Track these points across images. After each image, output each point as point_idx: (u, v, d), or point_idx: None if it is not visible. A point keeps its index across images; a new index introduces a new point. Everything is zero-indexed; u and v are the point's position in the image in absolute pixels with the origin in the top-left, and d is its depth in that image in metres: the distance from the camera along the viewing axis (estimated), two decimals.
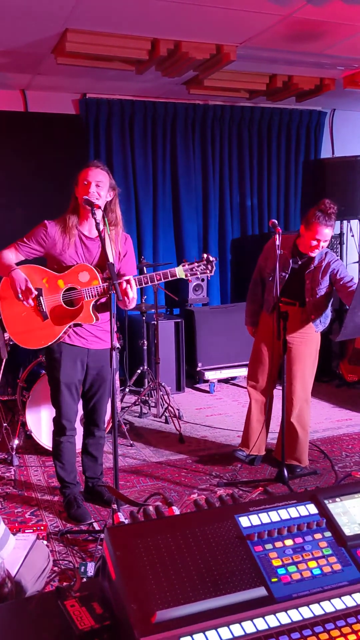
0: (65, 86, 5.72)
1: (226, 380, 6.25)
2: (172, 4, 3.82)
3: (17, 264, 3.21)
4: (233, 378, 6.22)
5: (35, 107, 5.85)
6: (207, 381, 6.00)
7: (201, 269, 3.04)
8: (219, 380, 6.12)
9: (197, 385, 6.16)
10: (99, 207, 2.98)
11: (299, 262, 3.75)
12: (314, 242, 3.58)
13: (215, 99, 6.29)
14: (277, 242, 3.51)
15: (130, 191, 6.21)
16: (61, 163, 5.71)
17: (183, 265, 3.04)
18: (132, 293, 3.00)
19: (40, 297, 3.13)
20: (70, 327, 3.16)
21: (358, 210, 6.60)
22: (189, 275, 3.03)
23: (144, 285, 3.04)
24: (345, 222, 6.87)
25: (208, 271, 3.05)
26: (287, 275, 3.76)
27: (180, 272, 3.03)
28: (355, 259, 7.11)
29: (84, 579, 2.64)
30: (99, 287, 3.03)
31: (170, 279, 3.03)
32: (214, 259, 3.06)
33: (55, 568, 2.82)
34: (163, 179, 6.34)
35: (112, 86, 5.70)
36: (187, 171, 6.43)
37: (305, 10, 3.94)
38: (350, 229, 7.04)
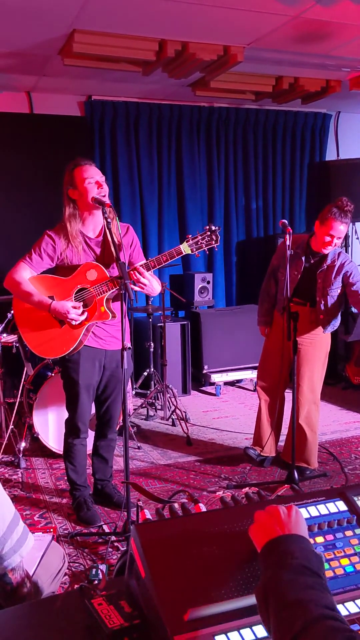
0: (70, 88, 5.72)
1: (232, 383, 6.23)
2: (179, 4, 3.81)
3: None
4: (239, 381, 6.20)
5: (41, 109, 5.85)
6: (213, 384, 5.97)
7: (206, 241, 2.97)
8: (225, 383, 6.10)
9: (203, 388, 6.14)
10: (110, 205, 2.95)
11: (312, 261, 3.73)
12: (328, 238, 3.56)
13: (220, 101, 6.28)
14: (288, 242, 3.49)
15: (135, 193, 6.20)
16: (66, 165, 5.69)
17: (187, 241, 2.98)
18: (145, 280, 2.96)
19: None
20: (88, 328, 3.12)
21: None
22: (194, 249, 2.97)
23: (151, 269, 2.99)
24: (350, 224, 6.85)
25: (213, 242, 2.97)
26: (299, 275, 3.74)
27: (185, 248, 2.97)
28: None
29: (96, 581, 2.61)
30: (109, 282, 3.00)
31: (176, 257, 2.96)
32: (217, 227, 2.98)
33: (66, 570, 2.79)
34: (168, 181, 6.34)
35: (117, 88, 5.69)
36: (192, 173, 6.42)
37: (313, 10, 3.94)
38: (356, 232, 7.03)
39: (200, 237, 2.98)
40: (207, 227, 2.99)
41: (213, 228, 2.98)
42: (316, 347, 3.82)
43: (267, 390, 4.02)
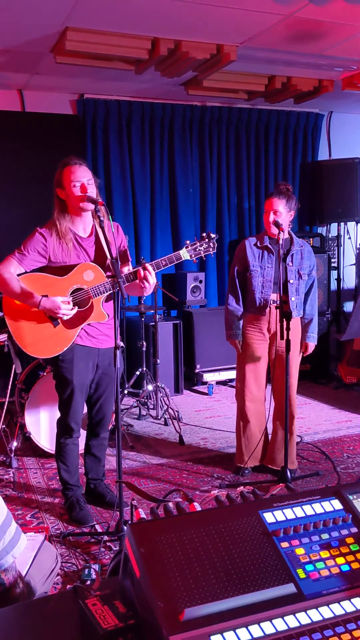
0: (62, 86, 5.70)
1: (224, 382, 6.23)
2: (173, 2, 3.80)
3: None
4: (231, 380, 6.19)
5: (33, 107, 5.83)
6: (205, 383, 5.97)
7: (204, 248, 3.07)
8: (217, 382, 6.10)
9: (195, 387, 6.13)
10: (103, 204, 2.93)
11: (279, 251, 3.70)
12: (269, 215, 3.65)
13: (213, 101, 6.28)
14: (281, 242, 3.48)
15: (127, 192, 6.19)
16: (58, 163, 5.67)
17: (186, 247, 3.06)
18: (153, 279, 2.97)
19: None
20: (82, 328, 3.11)
21: (354, 212, 6.62)
22: (193, 256, 3.06)
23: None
24: (342, 224, 6.87)
25: (211, 249, 3.08)
26: (272, 267, 3.71)
27: (184, 254, 3.05)
28: (352, 261, 7.12)
29: (88, 581, 2.60)
30: (106, 283, 2.99)
31: (176, 262, 3.04)
32: (214, 235, 3.09)
33: (59, 570, 2.77)
34: (160, 179, 6.33)
35: (109, 87, 5.68)
36: (185, 172, 6.42)
37: (306, 9, 3.94)
38: (347, 231, 7.05)
39: (198, 244, 3.07)
40: (205, 234, 3.08)
41: (212, 235, 3.08)
42: (297, 337, 3.78)
43: (256, 408, 3.84)
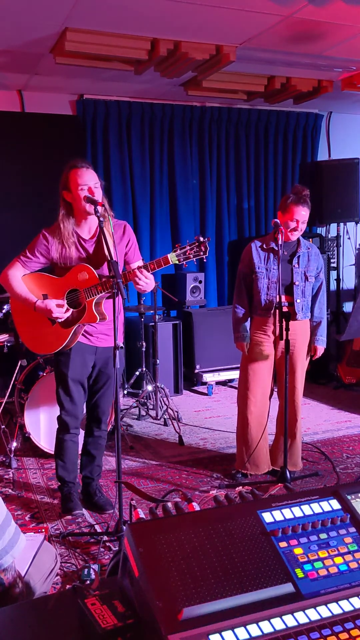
0: (62, 87, 5.70)
1: (224, 383, 6.23)
2: (172, 3, 3.80)
3: None
4: (231, 380, 6.20)
5: (32, 108, 5.83)
6: (205, 383, 5.97)
7: (194, 252, 2.93)
8: (217, 383, 6.10)
9: (195, 388, 6.14)
10: (102, 205, 2.95)
11: (285, 253, 3.67)
12: (293, 224, 3.58)
13: (212, 101, 6.28)
14: (280, 242, 3.49)
15: (127, 192, 6.19)
16: (58, 164, 5.65)
17: (175, 251, 2.95)
18: (144, 279, 2.97)
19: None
20: (77, 328, 3.15)
21: (354, 212, 6.63)
22: (182, 259, 2.94)
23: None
24: (341, 224, 6.88)
25: (202, 253, 2.94)
26: (277, 269, 3.68)
27: (172, 258, 2.94)
28: (352, 262, 7.13)
29: (87, 581, 2.60)
30: (98, 285, 3.01)
31: (163, 266, 2.97)
32: (206, 239, 2.95)
33: (58, 570, 2.78)
34: (160, 180, 6.33)
35: (109, 87, 5.68)
36: (185, 173, 6.42)
37: (306, 10, 3.95)
38: (347, 232, 7.05)
39: (188, 248, 2.94)
40: (197, 238, 2.96)
41: (201, 239, 2.93)
42: (305, 340, 3.77)
43: (257, 412, 3.78)
